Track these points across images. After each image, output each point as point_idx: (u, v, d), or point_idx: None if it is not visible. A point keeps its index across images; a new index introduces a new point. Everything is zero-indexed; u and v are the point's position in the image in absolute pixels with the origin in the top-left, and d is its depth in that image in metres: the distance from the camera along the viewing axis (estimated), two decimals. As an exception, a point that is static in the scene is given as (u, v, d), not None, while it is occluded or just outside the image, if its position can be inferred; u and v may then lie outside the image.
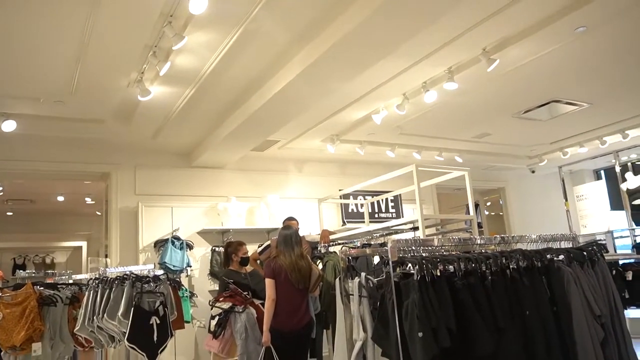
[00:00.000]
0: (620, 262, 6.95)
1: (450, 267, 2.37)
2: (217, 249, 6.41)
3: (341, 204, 7.52)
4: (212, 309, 4.92)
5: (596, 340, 2.45)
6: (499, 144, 7.87)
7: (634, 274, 6.64)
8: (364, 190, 7.00)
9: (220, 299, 4.87)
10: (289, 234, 4.44)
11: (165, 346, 3.77)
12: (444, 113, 6.12)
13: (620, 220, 8.56)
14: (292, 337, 4.22)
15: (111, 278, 3.75)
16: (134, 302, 3.60)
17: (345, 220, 7.48)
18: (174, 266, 5.93)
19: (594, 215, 8.95)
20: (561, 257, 2.67)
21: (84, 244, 13.40)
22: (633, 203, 8.04)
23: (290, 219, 5.97)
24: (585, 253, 2.71)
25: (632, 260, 6.92)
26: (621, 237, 8.25)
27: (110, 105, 5.18)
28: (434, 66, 4.82)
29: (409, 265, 2.45)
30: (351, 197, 7.45)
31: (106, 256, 6.83)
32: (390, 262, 2.36)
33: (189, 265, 6.20)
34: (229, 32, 3.89)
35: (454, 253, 2.63)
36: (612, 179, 9.18)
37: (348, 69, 4.35)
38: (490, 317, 2.31)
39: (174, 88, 4.82)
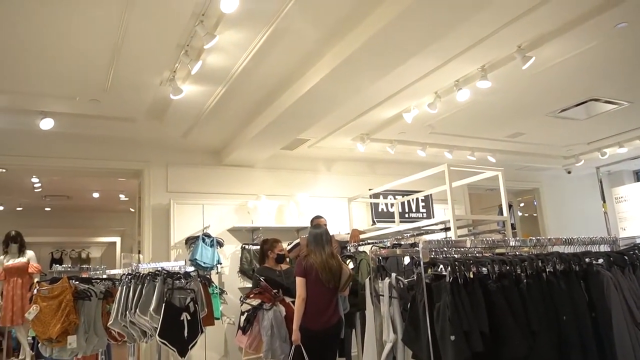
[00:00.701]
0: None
1: (484, 269, 2.32)
2: (246, 246, 6.45)
3: (371, 203, 7.47)
4: (242, 305, 4.97)
5: (637, 347, 2.35)
6: (533, 144, 7.68)
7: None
8: (394, 189, 6.94)
9: (251, 296, 4.91)
10: (319, 232, 4.43)
11: (196, 342, 3.81)
12: (477, 112, 6.01)
13: (661, 223, 8.26)
14: (321, 336, 4.22)
15: (143, 274, 3.81)
16: (165, 298, 3.65)
17: (375, 220, 7.42)
18: (204, 263, 5.99)
19: (634, 218, 8.64)
20: (600, 260, 2.58)
21: (118, 240, 13.71)
22: (675, 205, 7.73)
23: (318, 217, 5.97)
24: (626, 257, 2.61)
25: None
26: (663, 241, 7.95)
27: (143, 104, 5.27)
28: (467, 64, 4.73)
29: (441, 266, 2.40)
30: (381, 196, 7.39)
31: (139, 252, 6.96)
32: (421, 263, 2.32)
33: (219, 263, 6.25)
34: (259, 31, 3.90)
35: (487, 255, 2.57)
36: (653, 180, 8.86)
37: (379, 68, 4.31)
38: (524, 320, 2.25)
39: (205, 87, 4.86)
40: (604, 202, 9.05)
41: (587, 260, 2.55)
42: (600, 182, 9.15)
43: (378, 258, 2.87)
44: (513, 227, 10.07)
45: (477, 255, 2.52)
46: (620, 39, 4.38)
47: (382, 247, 3.67)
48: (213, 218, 6.55)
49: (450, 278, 2.19)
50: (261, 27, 3.85)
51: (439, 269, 2.41)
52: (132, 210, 12.36)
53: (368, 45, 3.82)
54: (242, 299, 5.04)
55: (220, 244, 6.38)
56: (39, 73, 4.49)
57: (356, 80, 4.49)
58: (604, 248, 2.82)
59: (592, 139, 7.71)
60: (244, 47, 4.14)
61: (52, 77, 4.60)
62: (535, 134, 7.15)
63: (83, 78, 4.62)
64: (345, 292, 4.52)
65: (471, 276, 2.25)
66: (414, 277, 2.64)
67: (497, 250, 2.74)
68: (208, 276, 4.99)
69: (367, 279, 2.84)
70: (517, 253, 2.66)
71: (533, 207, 10.50)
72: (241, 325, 4.87)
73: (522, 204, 11.60)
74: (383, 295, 2.70)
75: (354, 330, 5.10)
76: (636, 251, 2.66)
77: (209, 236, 6.27)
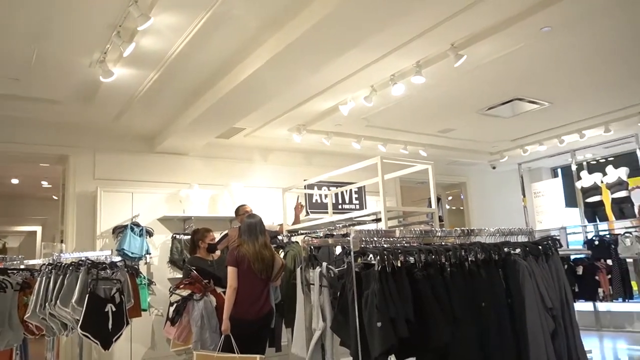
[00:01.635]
0: (572, 257, 7.23)
1: (411, 258, 2.40)
2: (177, 236, 6.32)
3: (305, 194, 7.51)
4: (171, 296, 4.88)
5: (547, 331, 2.52)
6: (463, 140, 8.01)
7: (584, 269, 6.92)
8: (329, 181, 7.00)
9: (181, 286, 4.84)
10: (253, 222, 4.41)
11: (121, 334, 3.69)
12: (411, 106, 6.18)
13: (573, 217, 8.87)
14: (252, 326, 4.21)
15: (65, 264, 3.63)
16: (89, 289, 3.50)
17: (309, 211, 7.48)
18: (132, 253, 5.81)
19: (549, 212, 9.22)
20: (518, 250, 2.74)
21: (38, 229, 12.95)
22: (586, 201, 8.32)
23: (244, 205, 5.94)
24: (540, 247, 2.79)
25: (583, 256, 7.21)
26: (574, 233, 8.55)
27: (70, 85, 5.01)
28: (403, 59, 4.85)
29: (370, 256, 2.47)
30: (315, 187, 7.45)
31: (62, 242, 6.63)
32: (352, 252, 2.37)
33: (148, 253, 6.08)
34: (197, 15, 3.80)
35: (415, 245, 2.66)
36: (568, 177, 9.47)
37: (317, 58, 4.32)
38: (448, 308, 2.35)
39: (138, 70, 4.69)
40: (524, 196, 9.60)
41: (505, 250, 2.70)
42: (521, 177, 9.71)
43: (310, 247, 2.90)
44: (441, 219, 10.48)
45: (405, 245, 2.60)
46: (545, 42, 4.65)
47: (314, 237, 3.70)
48: (143, 207, 6.35)
49: (378, 267, 2.26)
50: (199, 12, 3.76)
51: (369, 258, 2.47)
52: (56, 198, 11.74)
53: (307, 36, 3.83)
54: (171, 289, 4.95)
55: (150, 234, 6.21)
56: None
57: (294, 70, 4.49)
58: (522, 239, 3.00)
59: (515, 137, 8.14)
60: (180, 31, 4.03)
61: (-34, 52, 4.27)
62: (465, 130, 7.46)
63: (4, 54, 4.31)
64: (277, 282, 4.53)
65: (399, 265, 2.32)
66: (344, 266, 2.70)
67: (424, 241, 2.85)
68: (136, 266, 4.84)
69: (299, 268, 2.87)
70: (443, 243, 2.77)
71: (460, 201, 10.97)
72: (170, 316, 4.79)
73: (450, 197, 12.09)
74: (313, 284, 2.73)
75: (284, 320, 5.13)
76: (549, 242, 2.84)
77: (138, 225, 6.08)
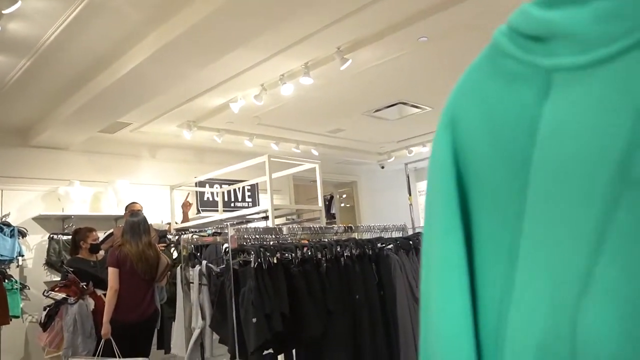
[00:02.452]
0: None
1: (288, 255, 2.47)
2: (55, 236, 5.91)
3: (196, 192, 7.37)
4: (45, 299, 4.58)
5: (416, 320, 2.72)
6: (352, 140, 8.31)
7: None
8: (220, 178, 6.94)
9: (56, 289, 4.55)
10: (136, 221, 4.26)
11: (-17, 343, 3.39)
12: (301, 106, 6.30)
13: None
14: (135, 328, 4.08)
15: None
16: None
17: (200, 209, 7.35)
18: (2, 255, 5.33)
19: (432, 209, 9.85)
20: (390, 245, 2.92)
21: None
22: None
23: (133, 203, 5.73)
24: (411, 242, 3.00)
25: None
26: (453, 229, 9.22)
27: None
28: (291, 60, 4.93)
29: (251, 253, 2.50)
30: (207, 185, 7.34)
31: None
32: (230, 250, 2.39)
33: (20, 255, 5.61)
34: (72, 2, 3.59)
35: (302, 242, 2.75)
36: (449, 176, 10.20)
37: (201, 56, 4.27)
38: (322, 301, 2.46)
39: (6, 57, 4.32)
40: (410, 194, 10.18)
41: (379, 245, 2.87)
42: (408, 177, 10.29)
43: (192, 246, 2.88)
44: (333, 216, 10.81)
45: (283, 242, 2.67)
46: (423, 51, 4.97)
47: (201, 236, 3.66)
48: (15, 205, 5.86)
49: (255, 263, 2.30)
50: (73, -1, 3.55)
51: (251, 256, 2.51)
52: None
53: (191, 32, 3.77)
54: (45, 293, 4.64)
55: (23, 234, 5.74)
56: None
57: (180, 65, 4.39)
58: (396, 234, 3.20)
59: (401, 138, 8.60)
60: (53, 17, 3.77)
61: None
62: (354, 131, 7.75)
63: None
64: (162, 282, 4.43)
65: (275, 261, 2.38)
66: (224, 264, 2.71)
67: (310, 238, 2.94)
68: (5, 270, 4.47)
69: (178, 267, 2.83)
70: (322, 240, 2.88)
71: (353, 199, 11.37)
72: (42, 321, 4.49)
73: (344, 195, 12.48)
74: (193, 283, 2.72)
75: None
76: (418, 237, 3.07)
77: (8, 225, 5.58)
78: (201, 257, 3.02)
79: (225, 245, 4.13)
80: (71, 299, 4.34)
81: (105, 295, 4.57)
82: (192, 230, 5.58)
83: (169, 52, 4.07)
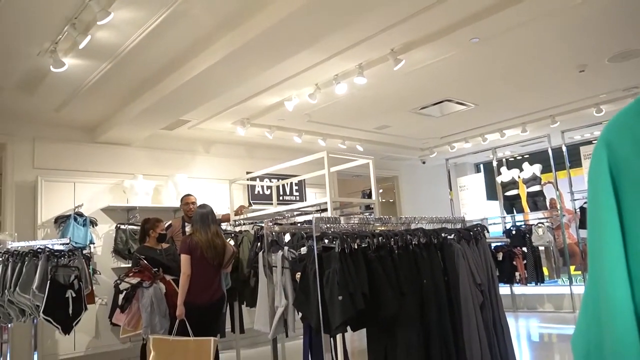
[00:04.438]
0: (493, 245, 7.97)
1: (365, 242, 2.75)
2: (122, 226, 6.35)
3: (248, 185, 7.72)
4: (120, 283, 4.96)
5: (477, 303, 2.97)
6: (396, 136, 8.53)
7: (504, 255, 7.66)
8: (270, 173, 7.27)
9: (130, 274, 4.93)
10: (205, 212, 4.61)
11: (79, 319, 3.80)
12: (351, 104, 6.57)
13: (493, 209, 9.69)
14: (205, 310, 4.42)
15: (24, 252, 3.69)
16: (49, 276, 3.59)
17: (251, 202, 7.70)
18: (76, 243, 5.77)
19: (473, 204, 10.02)
20: (453, 235, 3.17)
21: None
22: (505, 194, 9.14)
23: (188, 195, 6.10)
24: (471, 233, 3.24)
25: (503, 244, 7.97)
26: (494, 223, 9.35)
27: (15, 72, 4.92)
28: (346, 61, 5.20)
29: (326, 240, 2.79)
30: (257, 179, 7.68)
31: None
32: (314, 236, 2.68)
33: (92, 243, 6.08)
34: (157, 11, 3.93)
35: (366, 230, 3.02)
36: (489, 172, 10.32)
37: (268, 59, 4.58)
38: (395, 284, 2.73)
39: (89, 61, 4.72)
40: (451, 189, 10.35)
41: (442, 235, 3.12)
42: (448, 172, 10.45)
43: (272, 233, 3.18)
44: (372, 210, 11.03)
45: (357, 231, 2.95)
46: (473, 51, 5.17)
47: (276, 224, 3.96)
48: (86, 197, 6.32)
49: (339, 249, 2.59)
50: (159, 8, 3.89)
51: (326, 242, 2.80)
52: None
53: (260, 37, 4.08)
54: (120, 277, 5.03)
55: (94, 224, 6.21)
56: None
57: (246, 68, 4.72)
58: (455, 226, 3.44)
59: (444, 134, 8.78)
60: (137, 25, 4.13)
61: None
62: (399, 127, 7.97)
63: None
64: (228, 269, 4.77)
65: (355, 247, 2.67)
66: (302, 250, 3.01)
67: (373, 228, 3.21)
68: (90, 255, 4.89)
69: (261, 253, 3.14)
70: (380, 230, 3.15)
71: (390, 194, 11.59)
72: (119, 303, 4.88)
73: (380, 190, 12.71)
74: (276, 267, 3.02)
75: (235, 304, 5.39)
76: (478, 228, 3.30)
77: (81, 215, 6.07)
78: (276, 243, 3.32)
79: (287, 235, 4.45)
80: (146, 283, 4.71)
81: (173, 280, 4.96)
82: (250, 222, 5.94)
83: (238, 56, 4.39)
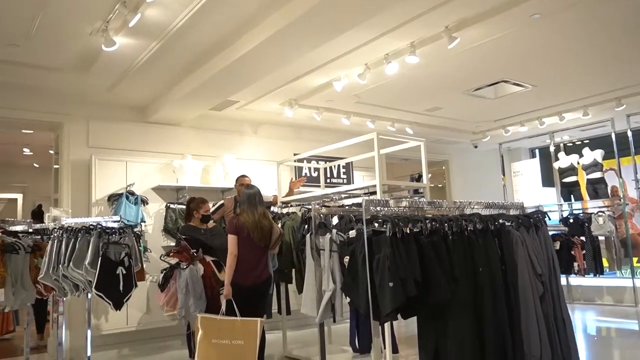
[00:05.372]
0: (550, 233, 7.62)
1: (417, 226, 2.62)
2: (171, 205, 6.44)
3: (295, 167, 7.67)
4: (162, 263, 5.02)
5: (536, 294, 2.80)
6: (448, 118, 8.25)
7: (561, 244, 7.32)
8: (318, 155, 7.18)
9: (170, 254, 4.95)
10: (252, 193, 4.57)
11: (130, 296, 3.86)
12: (402, 85, 6.36)
13: (549, 196, 9.27)
14: (252, 291, 4.41)
15: (77, 228, 3.76)
16: (101, 252, 3.65)
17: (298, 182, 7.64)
18: (128, 221, 5.86)
19: (527, 191, 9.63)
20: (511, 222, 2.99)
21: (19, 197, 12.84)
22: (563, 181, 8.72)
23: (243, 176, 6.07)
24: (531, 220, 3.04)
25: (559, 232, 7.61)
26: (550, 211, 8.95)
27: (69, 53, 5.02)
28: (398, 39, 5.00)
29: (376, 223, 2.68)
30: (305, 161, 7.61)
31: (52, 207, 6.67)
32: (364, 219, 2.57)
33: (143, 221, 6.20)
34: (205, -11, 3.89)
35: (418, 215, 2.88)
36: (545, 157, 9.87)
37: (316, 37, 4.46)
38: (448, 270, 2.59)
39: (139, 40, 4.74)
40: (504, 175, 9.97)
41: (500, 221, 2.95)
42: (502, 157, 10.06)
43: (320, 215, 3.09)
44: (422, 195, 10.79)
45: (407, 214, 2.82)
46: (533, 28, 4.87)
47: (323, 206, 3.88)
48: (137, 176, 6.43)
49: (390, 233, 2.47)
50: (207, -15, 3.84)
51: (376, 226, 2.68)
52: (37, 165, 11.64)
53: (308, 15, 3.96)
54: (161, 257, 5.07)
55: (145, 202, 6.32)
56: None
57: (294, 47, 4.62)
58: (513, 212, 3.25)
59: (498, 117, 8.43)
60: (185, 3, 4.10)
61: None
62: (451, 110, 7.70)
63: (4, 18, 4.31)
64: (275, 250, 4.73)
65: (407, 232, 2.54)
66: (349, 233, 2.91)
67: (425, 212, 3.06)
68: (140, 233, 4.96)
69: (308, 235, 3.07)
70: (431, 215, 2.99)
71: (439, 178, 11.29)
72: (160, 282, 4.93)
73: (429, 175, 12.42)
74: (324, 250, 2.94)
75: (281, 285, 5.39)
76: (539, 215, 3.10)
77: (132, 194, 6.18)
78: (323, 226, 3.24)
79: (335, 218, 4.36)
80: (183, 264, 4.70)
81: (213, 261, 4.94)
82: (297, 204, 5.89)
83: (284, 35, 4.29)
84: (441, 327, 2.63)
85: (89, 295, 4.02)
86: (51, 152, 7.23)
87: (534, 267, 2.82)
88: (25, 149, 10.40)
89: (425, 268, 2.53)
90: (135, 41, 4.75)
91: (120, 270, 3.70)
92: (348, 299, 2.75)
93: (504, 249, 2.86)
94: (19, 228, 4.56)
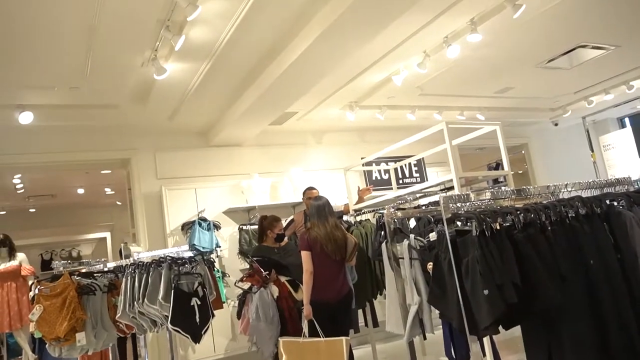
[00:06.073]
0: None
1: (508, 219, 2.25)
2: (244, 227, 6.35)
3: (364, 171, 7.37)
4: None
5: (665, 284, 2.32)
6: (522, 98, 7.63)
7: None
8: (386, 156, 6.84)
9: (243, 279, 4.77)
10: (321, 204, 4.34)
11: (208, 327, 3.73)
12: (466, 68, 5.91)
13: (650, 167, 8.35)
14: (334, 308, 4.16)
15: (147, 262, 3.69)
16: (173, 285, 3.54)
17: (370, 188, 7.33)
18: (203, 247, 5.87)
19: (622, 165, 8.74)
20: (621, 201, 2.53)
21: (107, 235, 13.47)
22: (664, 147, 7.81)
23: (311, 188, 5.87)
24: (645, 195, 2.56)
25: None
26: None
27: (126, 87, 5.07)
28: (455, 18, 4.60)
29: (458, 222, 2.33)
30: (373, 164, 7.29)
31: (134, 243, 6.80)
32: (444, 219, 2.24)
33: (218, 246, 6.15)
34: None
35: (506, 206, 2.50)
36: (638, 125, 8.92)
37: (368, 28, 4.16)
38: (553, 268, 2.19)
39: (189, 64, 4.68)
40: (592, 151, 9.12)
41: (607, 202, 2.50)
42: (587, 131, 9.22)
43: (394, 220, 2.79)
44: (504, 184, 10.12)
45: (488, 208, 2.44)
46: (610, -21, 4.31)
47: (398, 209, 3.56)
48: (207, 201, 6.41)
49: (477, 231, 2.12)
50: (244, -6, 3.68)
51: (459, 225, 2.33)
52: (119, 203, 12.13)
53: (354, 6, 3.68)
54: (236, 283, 4.91)
55: (217, 227, 6.28)
56: (13, 62, 4.27)
57: (345, 43, 4.35)
58: (619, 189, 2.77)
59: (578, 88, 7.68)
60: (227, 16, 3.97)
61: (27, 66, 4.38)
62: (524, 88, 7.11)
63: (60, 64, 4.41)
64: (352, 262, 4.46)
65: (497, 228, 2.18)
66: (429, 236, 2.57)
67: (504, 203, 2.68)
68: (212, 260, 4.86)
69: (384, 243, 2.77)
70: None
71: (519, 165, 10.52)
72: (238, 309, 4.77)
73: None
74: (402, 258, 2.63)
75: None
76: (655, 189, 2.61)
77: (204, 220, 6.15)
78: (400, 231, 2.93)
79: (412, 220, 4.02)
80: (254, 288, 4.50)
81: (288, 281, 4.69)
82: (370, 209, 5.59)
83: (334, 31, 4.03)
84: (552, 334, 2.23)
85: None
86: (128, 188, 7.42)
87: (658, 252, 2.35)
88: (106, 189, 10.86)
89: (524, 269, 2.14)
90: (185, 65, 4.69)
91: (195, 302, 3.58)
92: (438, 312, 2.42)
93: (616, 235, 2.40)
94: (97, 267, 4.61)
